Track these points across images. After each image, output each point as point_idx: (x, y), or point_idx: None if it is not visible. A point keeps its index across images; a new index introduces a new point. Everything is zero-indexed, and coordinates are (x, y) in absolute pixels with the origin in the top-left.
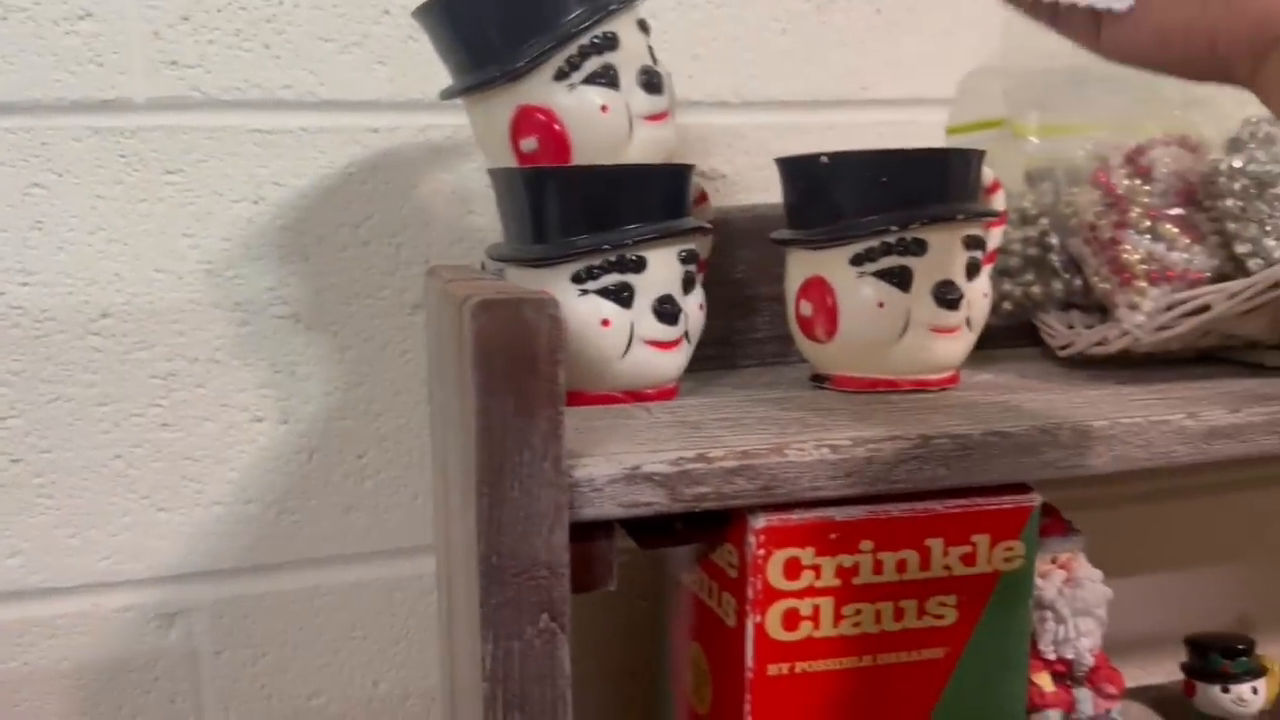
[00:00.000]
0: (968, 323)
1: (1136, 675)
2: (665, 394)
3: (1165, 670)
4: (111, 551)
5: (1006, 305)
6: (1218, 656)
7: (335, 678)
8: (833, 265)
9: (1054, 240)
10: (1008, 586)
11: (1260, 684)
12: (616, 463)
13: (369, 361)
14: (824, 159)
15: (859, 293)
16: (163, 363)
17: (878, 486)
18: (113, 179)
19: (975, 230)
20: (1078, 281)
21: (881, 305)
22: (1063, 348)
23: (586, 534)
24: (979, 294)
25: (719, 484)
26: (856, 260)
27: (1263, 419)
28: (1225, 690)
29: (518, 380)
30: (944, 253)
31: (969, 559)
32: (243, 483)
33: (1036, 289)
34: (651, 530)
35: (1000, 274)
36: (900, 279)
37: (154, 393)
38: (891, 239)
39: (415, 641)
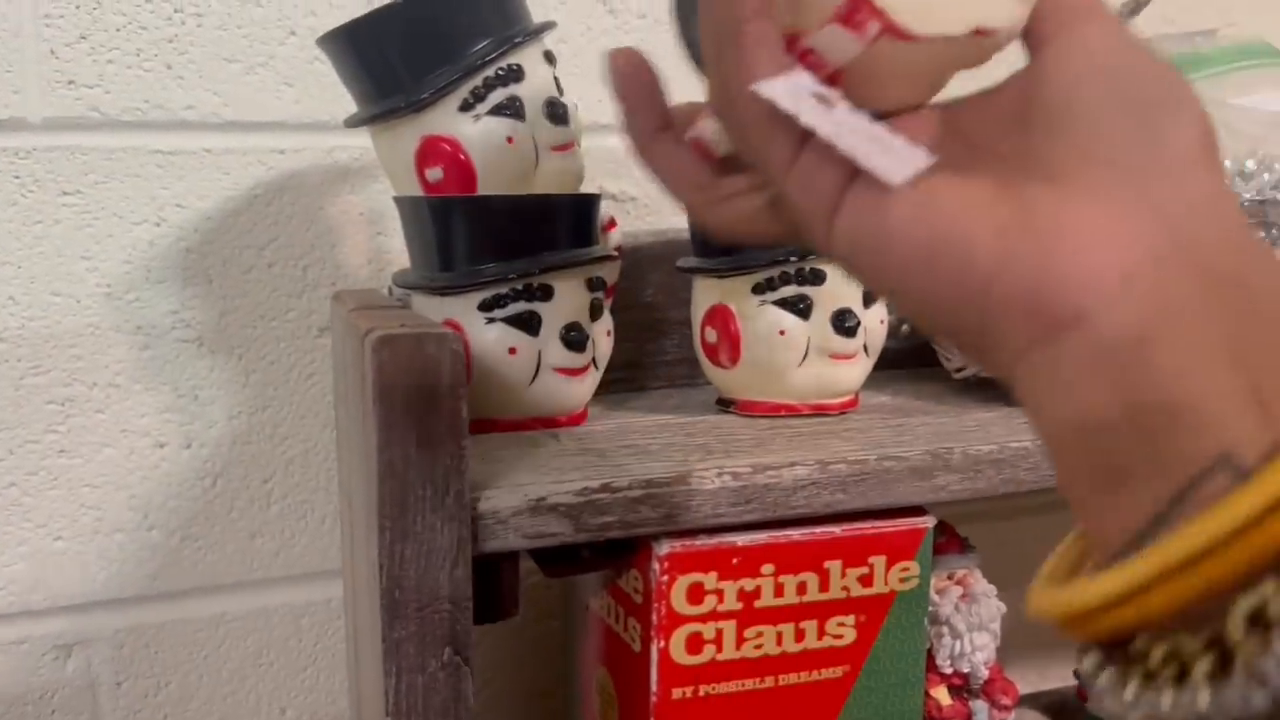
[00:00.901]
0: (865, 349)
1: (1034, 681)
2: (574, 419)
3: (1060, 677)
4: (6, 582)
5: (905, 328)
6: None
7: (241, 706)
8: (736, 294)
9: None
10: (904, 606)
11: None
12: (521, 494)
13: (274, 385)
14: None
15: (761, 321)
16: (60, 388)
17: (778, 512)
18: (6, 200)
19: None
20: None
21: (783, 333)
22: (957, 370)
23: (491, 565)
24: (876, 320)
25: (623, 513)
26: (758, 289)
27: None
28: None
29: (420, 416)
30: (842, 282)
31: (866, 580)
32: (144, 509)
33: None
34: (558, 558)
35: None
36: (800, 308)
37: (50, 419)
38: (791, 269)
39: (323, 668)
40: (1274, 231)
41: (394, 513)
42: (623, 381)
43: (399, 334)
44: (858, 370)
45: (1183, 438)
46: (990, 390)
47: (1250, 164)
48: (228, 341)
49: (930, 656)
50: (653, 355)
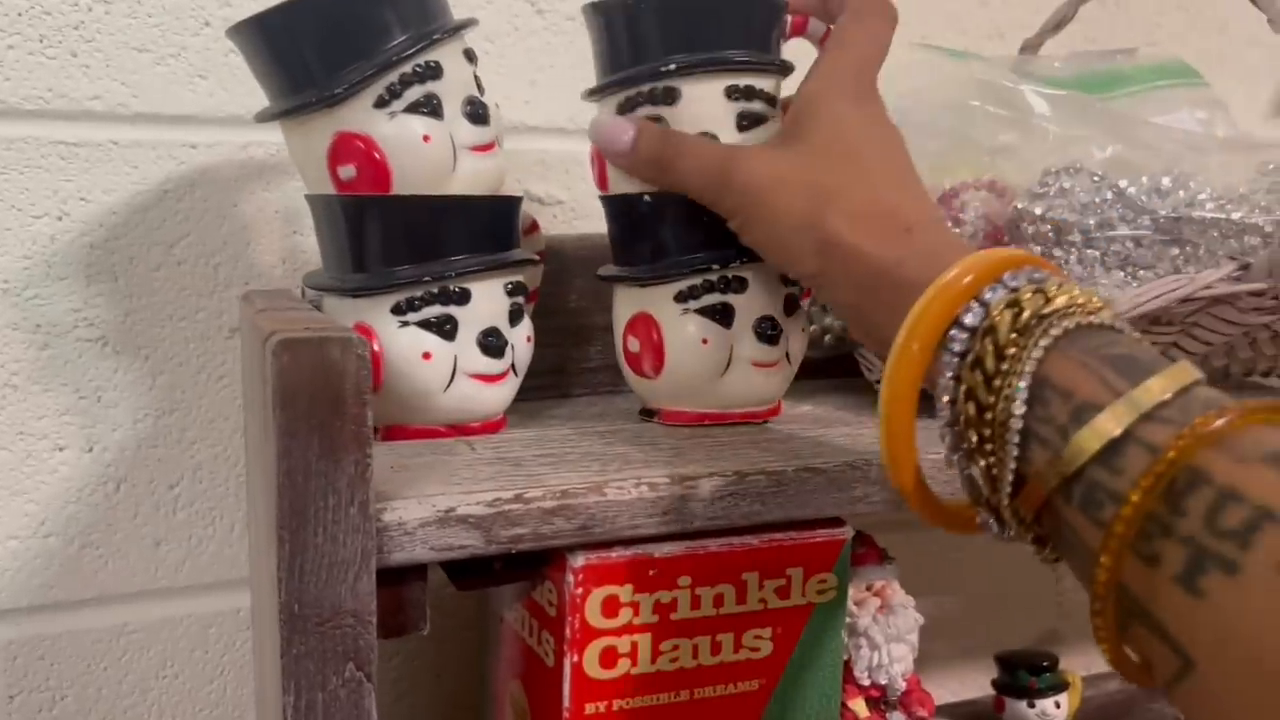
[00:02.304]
0: (787, 356)
1: (955, 690)
2: (491, 427)
3: (979, 685)
4: None
5: (828, 339)
6: (1024, 673)
7: (143, 719)
8: (658, 302)
9: None
10: (821, 617)
11: (1063, 698)
12: (429, 505)
13: (182, 387)
14: (646, 197)
15: (684, 330)
16: None
17: (695, 523)
18: None
19: None
20: None
21: (705, 342)
22: (878, 380)
23: (397, 578)
24: (797, 328)
25: (536, 524)
26: (680, 297)
27: None
28: (1031, 705)
29: (322, 423)
30: (764, 289)
31: (784, 592)
32: (41, 515)
33: None
34: (469, 571)
35: (822, 309)
36: (723, 316)
37: None
38: (714, 276)
39: (230, 680)
40: (1187, 249)
41: (294, 524)
42: (544, 388)
43: (301, 337)
44: (780, 378)
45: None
46: None
47: (1166, 181)
48: (134, 341)
49: (848, 668)
50: (576, 362)
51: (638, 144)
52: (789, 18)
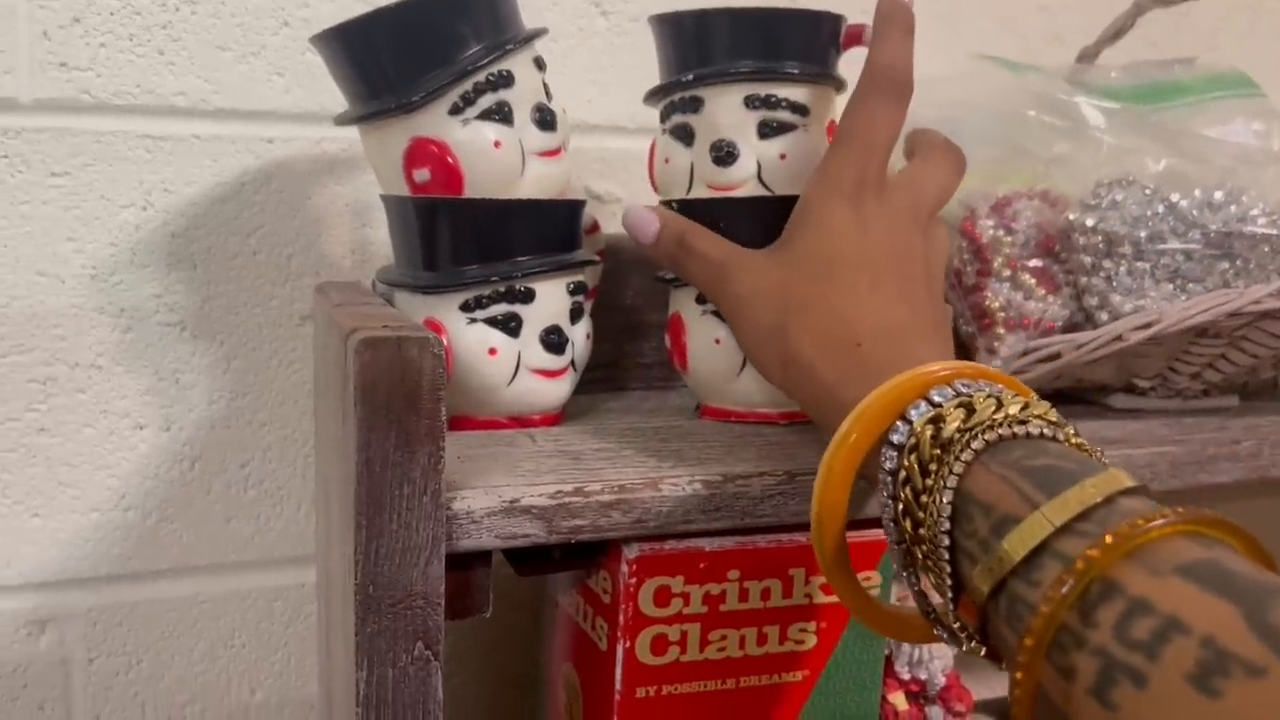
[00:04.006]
0: None
1: (994, 687)
2: (550, 419)
3: None
4: None
5: None
6: None
7: (212, 686)
8: (685, 303)
9: None
10: None
11: None
12: (496, 496)
13: (255, 371)
14: (673, 205)
15: (703, 329)
16: (42, 367)
17: (745, 520)
18: None
19: None
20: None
21: (718, 342)
22: None
23: (464, 563)
24: None
25: (595, 517)
26: (700, 300)
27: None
28: None
29: (399, 417)
30: None
31: (829, 588)
32: (122, 490)
33: None
34: (530, 558)
35: None
36: None
37: (32, 397)
38: None
39: (294, 651)
40: (1238, 263)
41: (371, 511)
42: (601, 382)
43: (381, 336)
44: None
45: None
46: None
47: (1219, 195)
48: (210, 327)
49: (889, 663)
50: (631, 357)
51: (659, 239)
52: (844, 27)
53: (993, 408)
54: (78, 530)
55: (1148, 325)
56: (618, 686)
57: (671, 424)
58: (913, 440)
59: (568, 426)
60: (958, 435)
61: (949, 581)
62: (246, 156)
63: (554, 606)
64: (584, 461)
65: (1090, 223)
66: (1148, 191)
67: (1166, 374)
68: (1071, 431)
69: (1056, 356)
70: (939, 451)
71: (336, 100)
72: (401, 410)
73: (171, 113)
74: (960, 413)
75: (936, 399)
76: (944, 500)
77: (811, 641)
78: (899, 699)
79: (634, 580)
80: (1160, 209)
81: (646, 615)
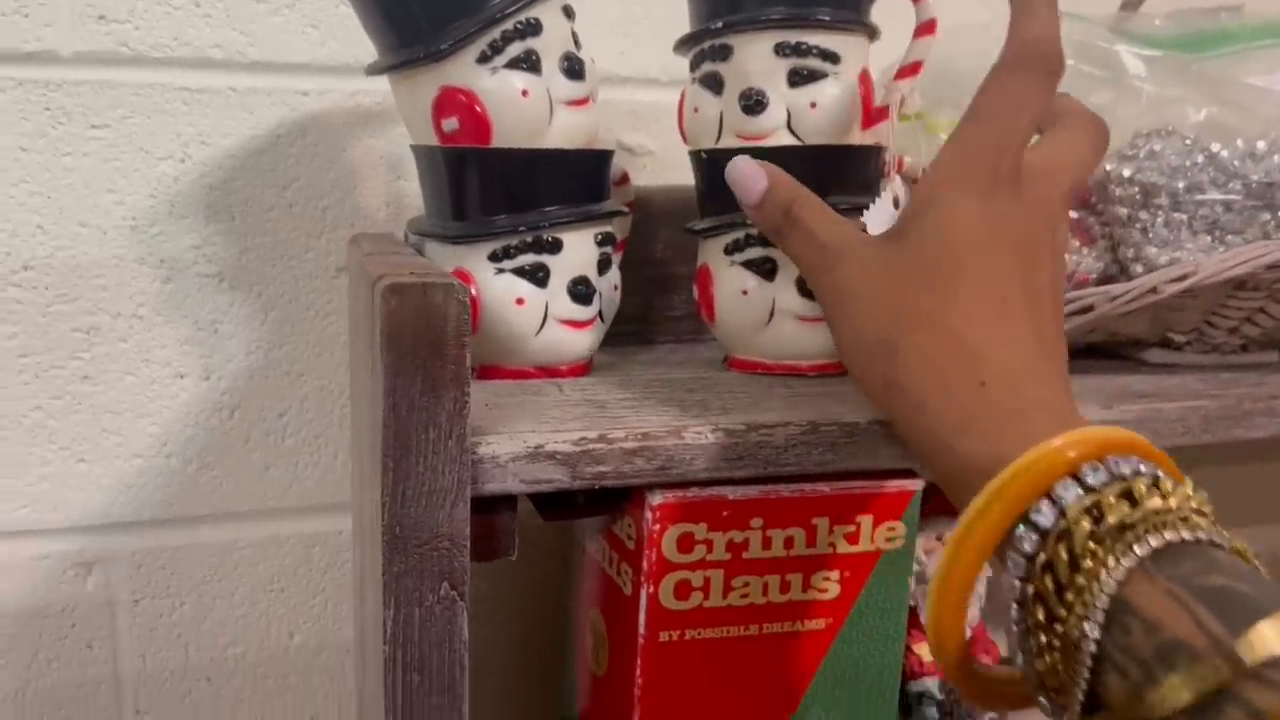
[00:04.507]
0: None
1: None
2: (578, 370)
3: None
4: (30, 500)
5: None
6: None
7: (252, 628)
8: (713, 254)
9: None
10: (888, 564)
11: None
12: (520, 441)
13: (292, 322)
14: (704, 155)
15: (730, 280)
16: (85, 316)
17: (768, 469)
18: (37, 132)
19: None
20: None
21: (745, 293)
22: None
23: (489, 507)
24: None
25: (618, 464)
26: (728, 250)
27: (1133, 416)
28: None
29: (425, 362)
30: None
31: (852, 538)
32: (163, 437)
33: None
34: (556, 504)
35: None
36: (765, 269)
37: (76, 346)
38: (756, 231)
39: (331, 596)
40: (1279, 214)
41: (397, 454)
42: (630, 335)
43: (407, 283)
44: (827, 334)
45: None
46: None
47: (1261, 145)
48: (248, 278)
49: (915, 614)
50: (661, 310)
51: (764, 201)
52: None
53: (1156, 501)
54: (121, 476)
55: (1183, 278)
56: (641, 630)
57: (699, 375)
58: (1062, 525)
59: (595, 377)
60: (1119, 532)
61: (1084, 688)
62: (282, 109)
63: (582, 553)
64: (609, 410)
65: (1127, 173)
66: (1187, 141)
67: (1203, 328)
68: (1225, 532)
69: (1090, 309)
70: (1096, 546)
71: (370, 53)
72: (427, 356)
73: (208, 65)
74: (1123, 505)
75: (1090, 480)
76: (1098, 604)
77: (834, 590)
78: (924, 650)
79: (658, 527)
80: (1200, 159)
81: (670, 561)
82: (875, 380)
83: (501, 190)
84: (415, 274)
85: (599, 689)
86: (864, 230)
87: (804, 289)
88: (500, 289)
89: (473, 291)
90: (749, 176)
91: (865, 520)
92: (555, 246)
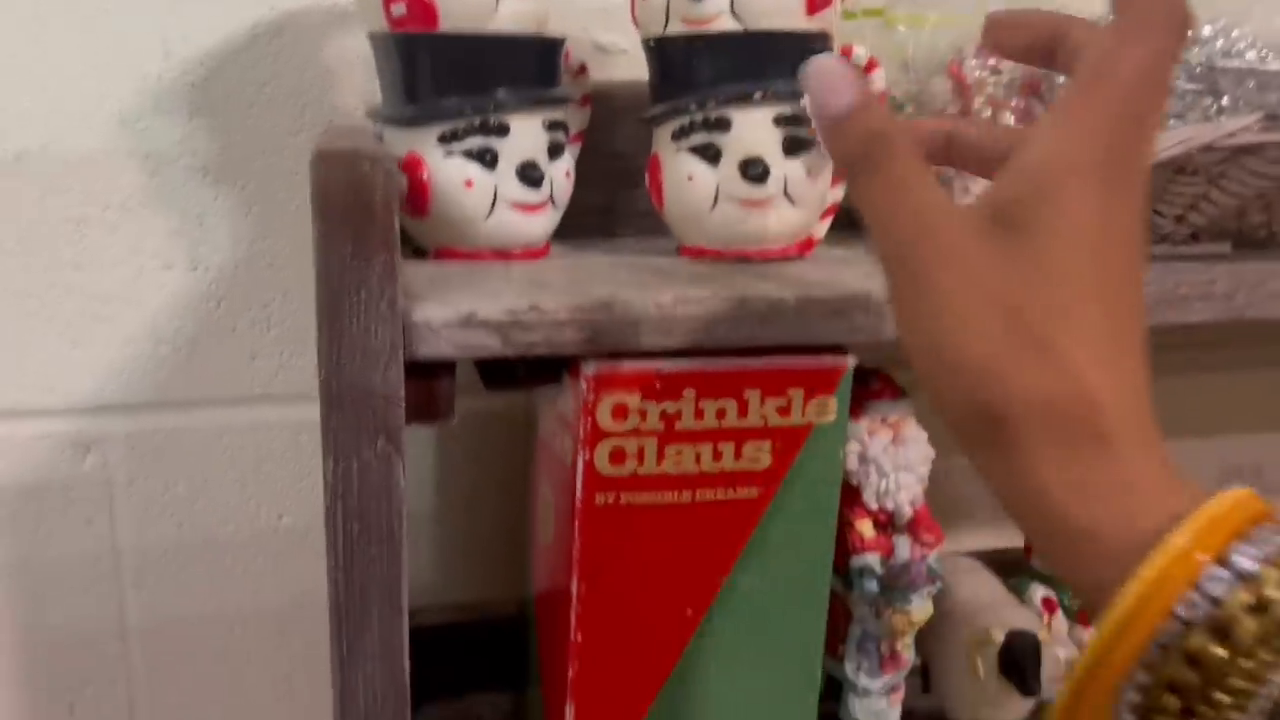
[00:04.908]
0: (787, 196)
1: (988, 543)
2: (533, 254)
3: (1016, 538)
4: (28, 383)
5: None
6: None
7: (242, 510)
8: (663, 142)
9: None
10: (820, 437)
11: None
12: (454, 308)
13: (274, 216)
14: (651, 43)
15: (676, 167)
16: (76, 208)
17: (698, 341)
18: (25, 31)
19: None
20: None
21: (691, 179)
22: None
23: (428, 372)
24: (799, 168)
25: (549, 333)
26: (675, 136)
27: None
28: None
29: (355, 227)
30: (751, 130)
31: (784, 411)
32: (154, 325)
33: None
34: (497, 374)
35: None
36: (710, 154)
37: (68, 236)
38: (699, 117)
39: (318, 481)
40: (1224, 100)
41: (332, 314)
42: (594, 228)
43: (336, 151)
44: (773, 216)
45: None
46: None
47: (1207, 30)
48: (231, 173)
49: (858, 492)
50: (624, 204)
51: (849, 122)
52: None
53: None
54: (113, 361)
55: None
56: (578, 494)
57: (648, 262)
58: (1216, 616)
59: (548, 261)
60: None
61: None
62: (261, 8)
63: (535, 430)
64: (549, 286)
65: None
66: None
67: (1152, 217)
68: None
69: None
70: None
71: None
72: (357, 221)
73: None
74: (1251, 622)
75: (1244, 564)
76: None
77: (766, 461)
78: (866, 527)
79: (592, 396)
80: None
81: (604, 429)
82: (968, 412)
83: (450, 74)
84: (346, 145)
85: (546, 558)
86: None
87: (748, 173)
88: (450, 171)
89: (424, 174)
90: (833, 84)
91: (796, 394)
92: (502, 130)
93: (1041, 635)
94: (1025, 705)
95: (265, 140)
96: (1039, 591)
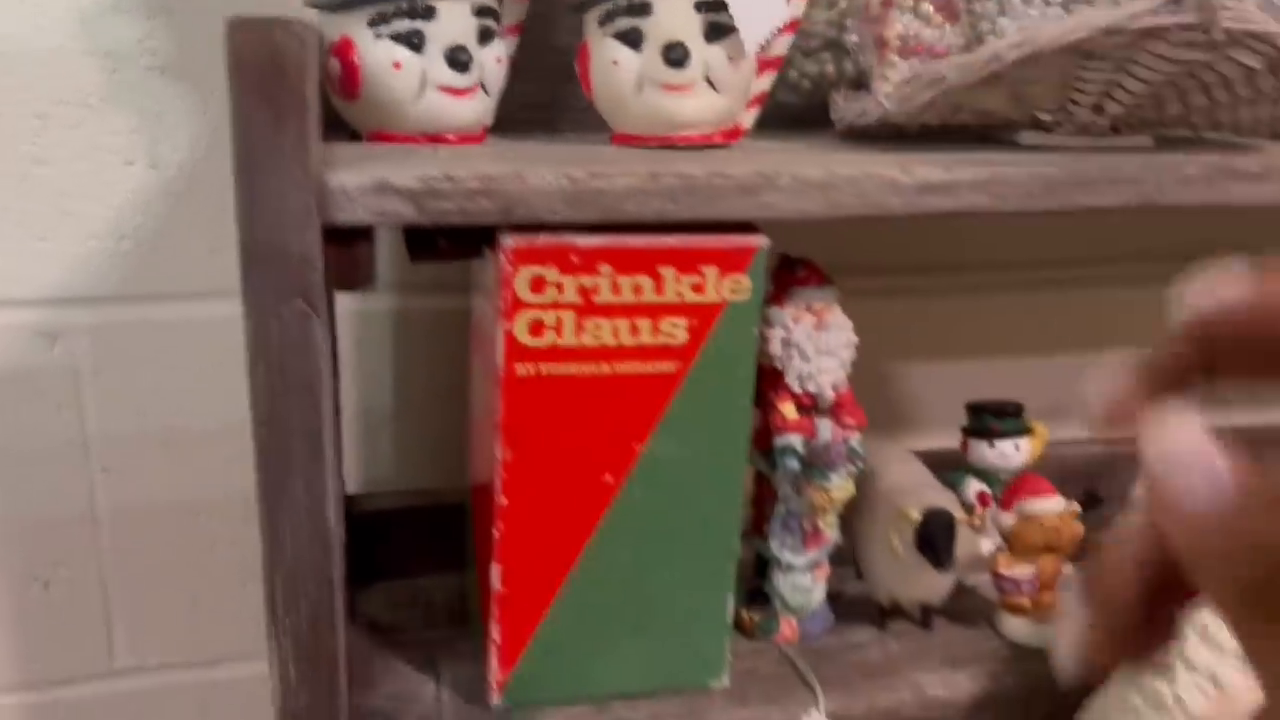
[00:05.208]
0: (709, 82)
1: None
2: (467, 140)
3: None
4: None
5: (805, 84)
6: (989, 417)
7: (204, 400)
8: (590, 27)
9: (850, 22)
10: (735, 315)
11: (1023, 442)
12: (369, 175)
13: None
14: None
15: (603, 53)
16: (40, 104)
17: (609, 215)
18: None
19: None
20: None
21: (615, 63)
22: (839, 120)
23: (348, 237)
24: (721, 56)
25: (462, 202)
26: (600, 22)
27: (971, 177)
28: (991, 445)
29: (269, 93)
30: (672, 14)
31: (699, 288)
32: (115, 220)
33: (831, 68)
34: (421, 246)
35: (802, 54)
36: (632, 39)
37: (32, 132)
38: (624, 2)
39: None
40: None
41: (247, 176)
42: (537, 122)
43: (251, 19)
44: (697, 102)
45: None
46: (870, 141)
47: None
48: (188, 71)
49: (781, 376)
50: (566, 99)
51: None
52: None
53: None
54: (78, 255)
55: (1023, 44)
56: (500, 364)
57: (578, 149)
58: None
59: (481, 147)
60: None
61: None
62: None
63: (471, 320)
64: (470, 162)
65: None
66: None
67: (1068, 106)
68: None
69: (942, 79)
70: None
71: None
72: (271, 88)
73: None
74: None
75: None
76: None
77: (682, 336)
78: (789, 408)
79: (510, 268)
80: None
81: (523, 300)
82: None
83: None
84: (261, 15)
85: (479, 434)
86: None
87: (669, 57)
88: (379, 54)
89: (355, 58)
90: (1202, 473)
91: (710, 271)
92: (429, 13)
93: (974, 523)
94: (940, 581)
95: (221, 39)
96: (974, 485)
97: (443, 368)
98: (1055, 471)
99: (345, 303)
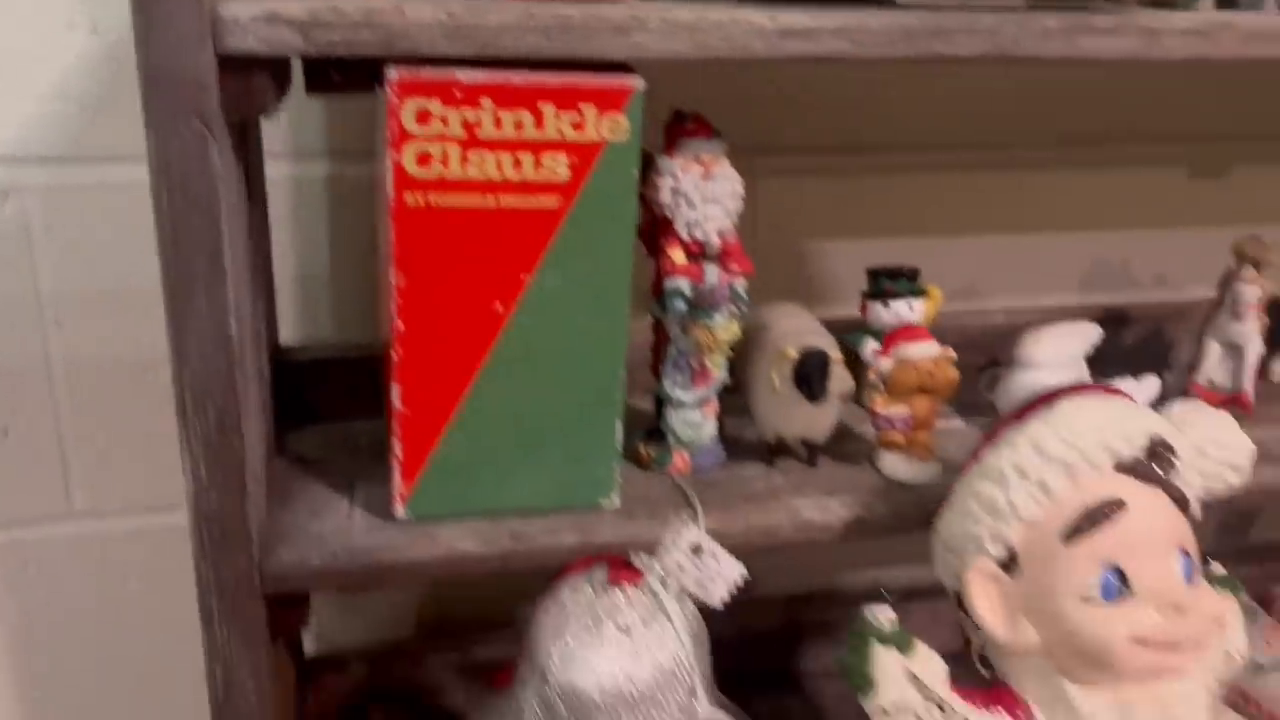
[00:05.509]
0: None
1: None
2: None
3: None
4: None
5: None
6: (885, 279)
7: (152, 259)
8: None
9: None
10: (614, 155)
11: (918, 303)
12: (260, 6)
13: None
14: None
15: None
16: None
17: (487, 50)
18: None
19: None
20: None
21: None
22: None
23: (244, 67)
24: None
25: (347, 34)
26: None
27: (834, 24)
28: (886, 305)
29: None
30: None
31: (578, 126)
32: (61, 84)
33: None
34: (317, 79)
35: None
36: None
37: None
38: None
39: None
40: None
41: (145, 5)
42: None
43: None
44: None
45: None
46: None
47: None
48: None
49: (670, 224)
50: None
51: None
52: None
53: None
54: (27, 116)
55: None
56: (390, 193)
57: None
58: None
59: None
60: None
61: None
62: None
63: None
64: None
65: None
66: None
67: None
68: None
69: None
70: None
71: None
72: None
73: None
74: None
75: None
76: None
77: (564, 174)
78: (678, 254)
79: (396, 100)
80: None
81: (410, 132)
82: None
83: None
84: None
85: (383, 272)
86: None
87: None
88: None
89: None
90: None
91: (589, 109)
92: None
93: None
94: (818, 415)
95: None
96: (870, 345)
97: (374, 232)
98: (958, 339)
99: (280, 169)
